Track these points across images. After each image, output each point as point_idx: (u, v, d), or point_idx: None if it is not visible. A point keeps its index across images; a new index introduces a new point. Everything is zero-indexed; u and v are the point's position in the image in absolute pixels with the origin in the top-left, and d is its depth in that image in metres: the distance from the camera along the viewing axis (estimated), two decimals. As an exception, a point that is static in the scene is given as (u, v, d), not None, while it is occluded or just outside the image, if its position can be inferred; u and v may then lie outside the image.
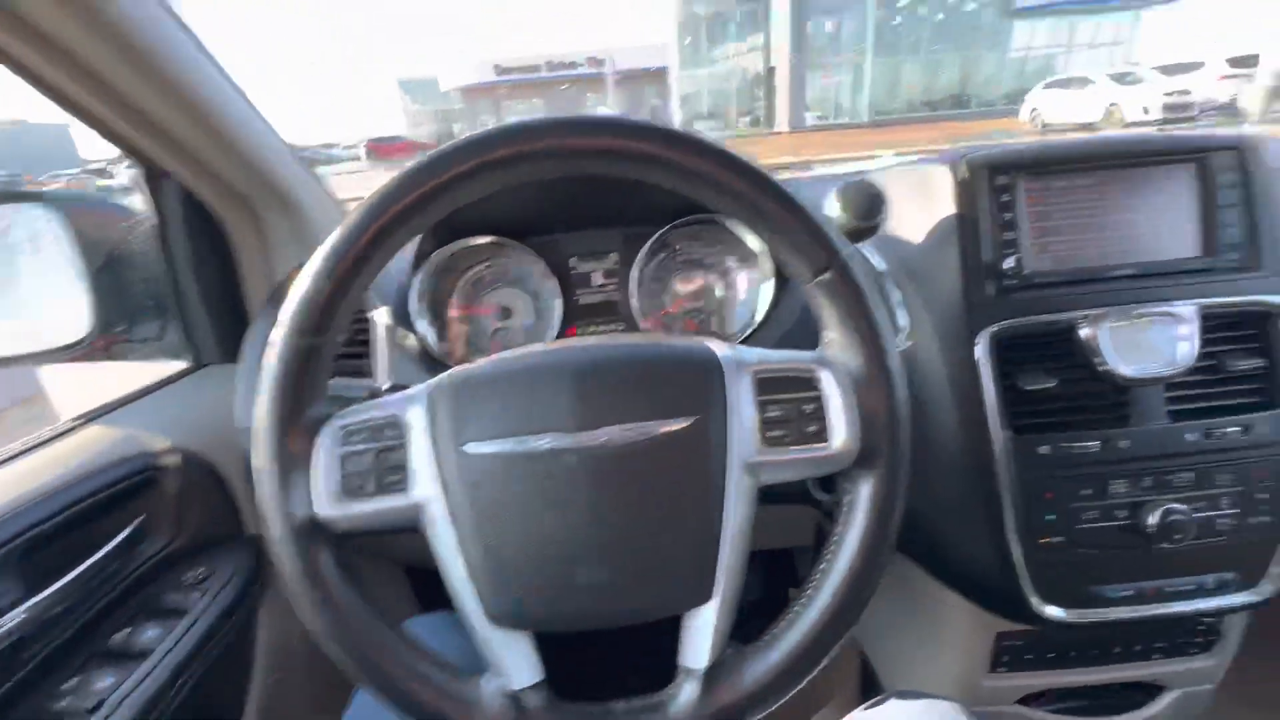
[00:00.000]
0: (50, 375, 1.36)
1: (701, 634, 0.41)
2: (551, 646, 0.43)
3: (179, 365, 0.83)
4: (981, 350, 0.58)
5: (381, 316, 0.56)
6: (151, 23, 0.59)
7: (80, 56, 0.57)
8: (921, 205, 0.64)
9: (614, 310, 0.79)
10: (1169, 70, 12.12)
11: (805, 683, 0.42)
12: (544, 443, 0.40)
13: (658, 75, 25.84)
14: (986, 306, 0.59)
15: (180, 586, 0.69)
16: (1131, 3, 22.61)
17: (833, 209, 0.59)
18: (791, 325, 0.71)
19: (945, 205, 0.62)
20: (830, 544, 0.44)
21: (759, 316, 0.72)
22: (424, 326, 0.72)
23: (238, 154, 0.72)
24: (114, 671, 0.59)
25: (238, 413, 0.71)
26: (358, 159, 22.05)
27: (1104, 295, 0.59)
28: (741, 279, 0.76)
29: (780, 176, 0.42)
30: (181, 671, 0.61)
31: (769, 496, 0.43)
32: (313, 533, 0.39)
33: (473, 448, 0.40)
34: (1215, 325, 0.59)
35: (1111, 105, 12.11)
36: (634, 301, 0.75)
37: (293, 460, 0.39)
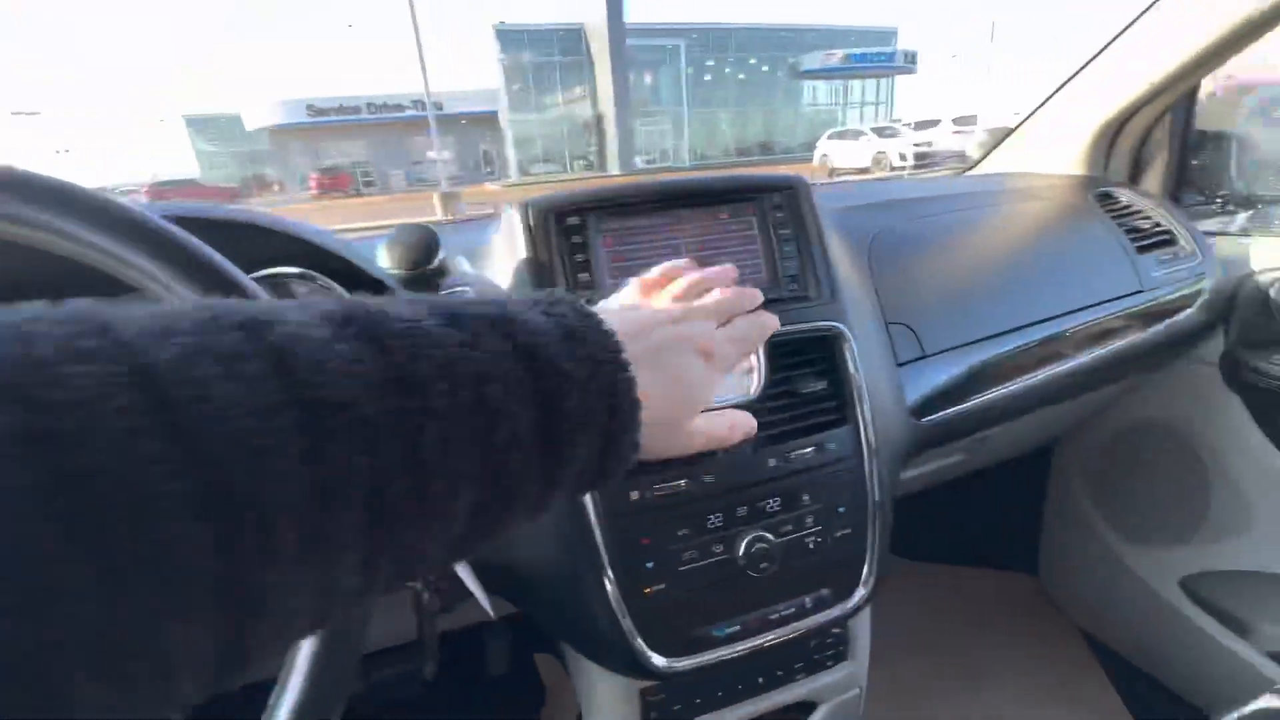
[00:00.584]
0: None
1: None
2: None
3: None
4: None
5: None
6: None
7: None
8: (509, 251, 0.61)
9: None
10: (917, 126, 14.91)
11: None
12: None
13: (489, 119, 25.85)
14: None
15: None
16: (885, 71, 27.45)
17: (383, 259, 0.53)
18: None
19: (523, 249, 0.59)
20: None
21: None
22: None
23: None
24: None
25: None
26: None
27: None
28: None
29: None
30: None
31: None
32: None
33: None
34: (785, 352, 0.62)
35: (879, 153, 14.48)
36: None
37: None
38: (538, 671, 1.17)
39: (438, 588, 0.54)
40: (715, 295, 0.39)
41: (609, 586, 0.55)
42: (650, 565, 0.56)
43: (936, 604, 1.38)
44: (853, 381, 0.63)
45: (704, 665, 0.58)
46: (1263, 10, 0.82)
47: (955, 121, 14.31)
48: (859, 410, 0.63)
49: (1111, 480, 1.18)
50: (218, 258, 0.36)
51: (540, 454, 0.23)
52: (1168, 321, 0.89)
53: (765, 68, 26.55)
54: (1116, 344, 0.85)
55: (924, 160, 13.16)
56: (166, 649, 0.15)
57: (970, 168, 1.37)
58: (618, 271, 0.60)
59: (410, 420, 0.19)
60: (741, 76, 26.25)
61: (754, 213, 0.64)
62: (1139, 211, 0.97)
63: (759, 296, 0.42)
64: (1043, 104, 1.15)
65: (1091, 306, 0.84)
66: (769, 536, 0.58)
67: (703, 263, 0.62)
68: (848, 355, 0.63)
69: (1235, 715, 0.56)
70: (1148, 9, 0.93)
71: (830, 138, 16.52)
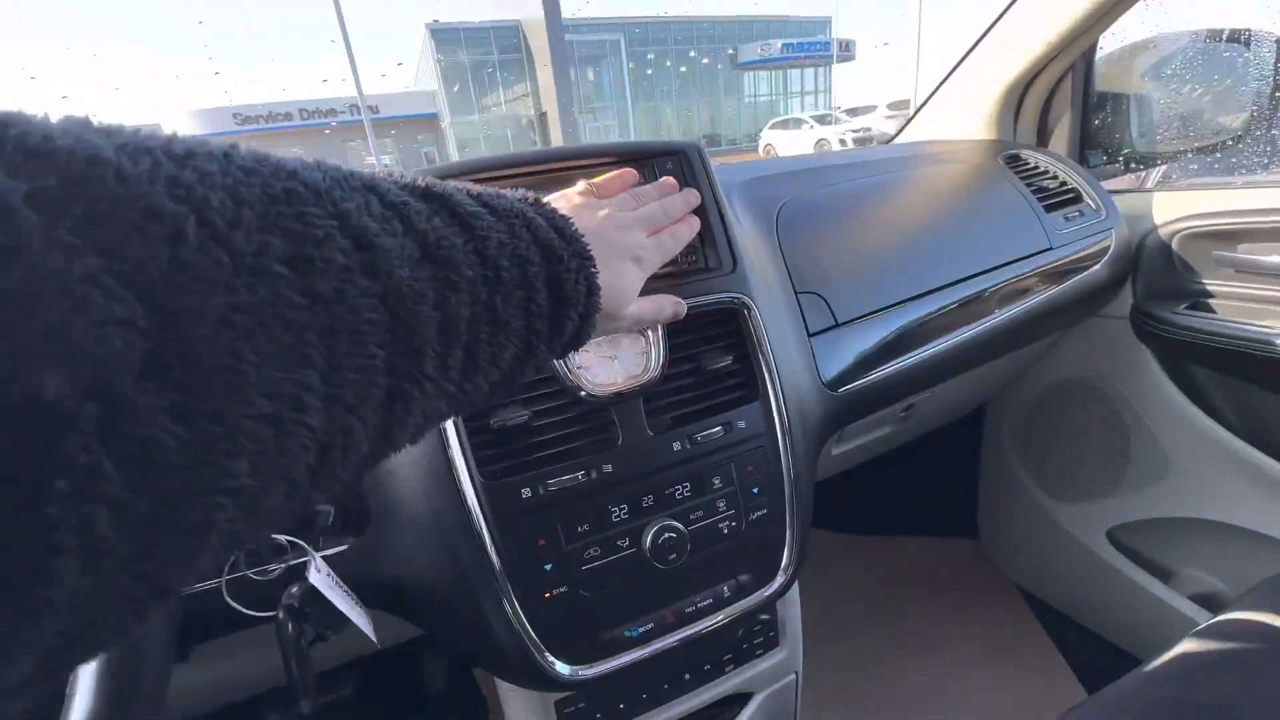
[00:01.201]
0: None
1: None
2: None
3: None
4: None
5: None
6: None
7: None
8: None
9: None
10: (853, 112, 15.29)
11: None
12: None
13: (428, 122, 25.17)
14: None
15: None
16: (822, 60, 28.03)
17: None
18: None
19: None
20: None
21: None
22: None
23: None
24: None
25: None
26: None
27: None
28: None
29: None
30: None
31: None
32: None
33: None
34: (686, 328, 0.58)
35: (820, 140, 14.78)
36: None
37: None
38: (477, 686, 1.11)
39: (305, 615, 0.48)
40: (648, 209, 0.46)
41: (504, 595, 0.50)
42: (549, 568, 0.52)
43: (880, 578, 1.38)
44: (760, 355, 0.59)
45: (614, 670, 0.54)
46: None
47: (889, 106, 14.75)
48: (769, 384, 0.59)
49: (1038, 440, 1.20)
50: None
51: (550, 323, 0.30)
52: (1077, 277, 0.90)
53: (705, 60, 26.73)
54: (1029, 302, 0.85)
55: (862, 144, 13.53)
56: (351, 437, 0.20)
57: (888, 141, 1.38)
58: (497, 250, 0.55)
59: (489, 285, 0.26)
60: (683, 69, 26.36)
61: (646, 180, 0.60)
62: (1045, 172, 0.98)
63: (684, 204, 0.50)
64: (950, 73, 1.16)
65: (1003, 266, 0.83)
66: (678, 525, 0.54)
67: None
68: (753, 328, 0.60)
69: (1161, 659, 0.55)
70: (1040, -30, 0.93)
71: (773, 127, 16.79)
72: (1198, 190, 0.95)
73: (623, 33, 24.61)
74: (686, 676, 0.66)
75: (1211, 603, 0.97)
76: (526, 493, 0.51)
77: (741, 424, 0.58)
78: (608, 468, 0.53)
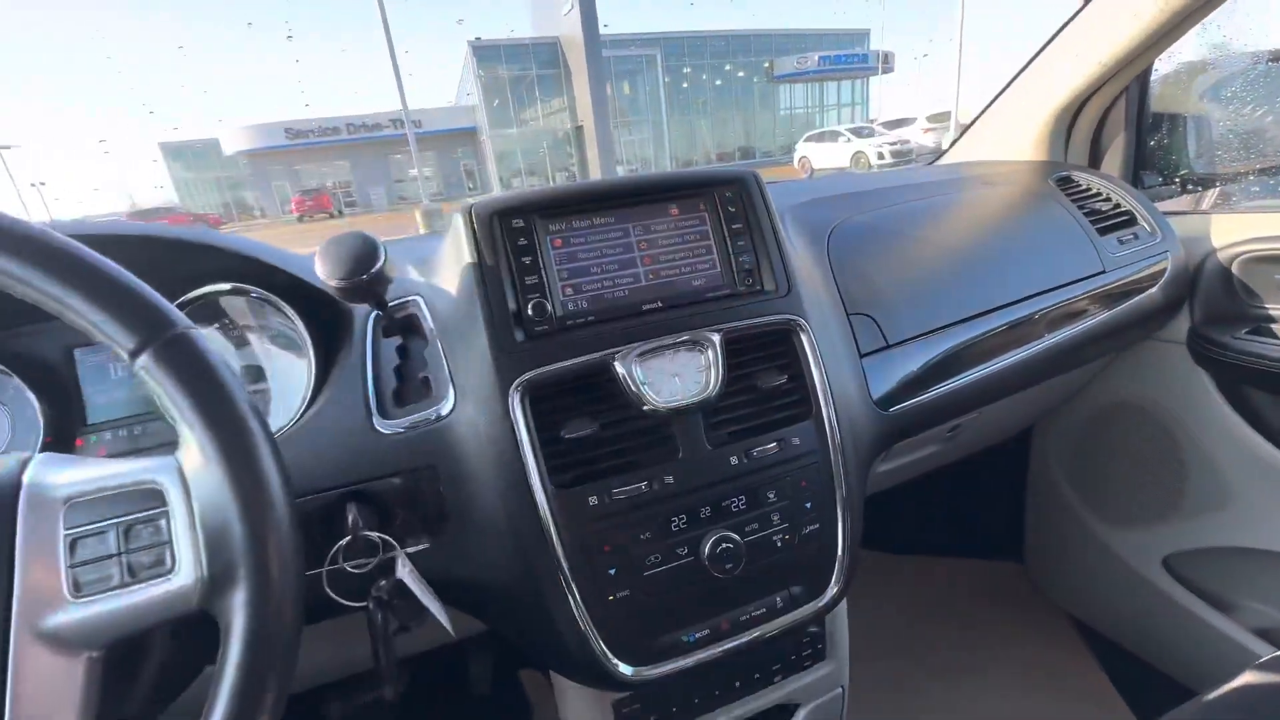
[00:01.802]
0: None
1: None
2: None
3: None
4: (514, 402, 0.54)
5: None
6: None
7: None
8: (455, 257, 0.60)
9: (149, 404, 0.63)
10: (891, 125, 15.08)
11: None
12: None
13: (468, 136, 25.85)
14: (516, 356, 0.55)
15: None
16: (860, 72, 27.79)
17: (318, 268, 0.52)
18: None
19: (467, 254, 0.57)
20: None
21: (304, 397, 0.62)
22: None
23: None
24: None
25: None
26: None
27: (636, 330, 0.58)
28: (280, 352, 0.65)
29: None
30: None
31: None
32: None
33: None
34: (742, 348, 0.61)
35: (857, 153, 14.62)
36: (159, 394, 0.61)
37: None
38: (523, 688, 1.14)
39: (392, 606, 0.53)
40: None
41: (571, 596, 0.54)
42: (613, 571, 0.55)
43: (924, 598, 1.37)
44: (814, 374, 0.62)
45: (674, 672, 0.56)
46: (1205, -10, 0.83)
47: (929, 119, 14.51)
48: (822, 403, 0.62)
49: (1089, 464, 1.18)
50: (135, 282, 0.34)
51: None
52: (1131, 301, 0.89)
53: (741, 73, 26.82)
54: (1082, 325, 0.85)
55: (903, 158, 13.32)
56: None
57: (934, 161, 1.38)
58: (567, 272, 0.59)
59: None
60: (718, 83, 26.48)
61: (704, 208, 0.63)
62: (1098, 194, 0.98)
63: None
64: (1000, 93, 1.16)
65: (1055, 289, 0.84)
66: (734, 536, 0.57)
67: (653, 259, 0.62)
68: (807, 347, 0.62)
69: (1222, 690, 0.55)
70: (1095, -7, 0.94)
71: (808, 140, 16.67)
72: (1259, 213, 0.93)
73: (660, 47, 24.90)
74: (737, 684, 0.68)
75: (1275, 637, 0.94)
76: (593, 500, 0.55)
77: (796, 441, 0.61)
78: (669, 479, 0.56)
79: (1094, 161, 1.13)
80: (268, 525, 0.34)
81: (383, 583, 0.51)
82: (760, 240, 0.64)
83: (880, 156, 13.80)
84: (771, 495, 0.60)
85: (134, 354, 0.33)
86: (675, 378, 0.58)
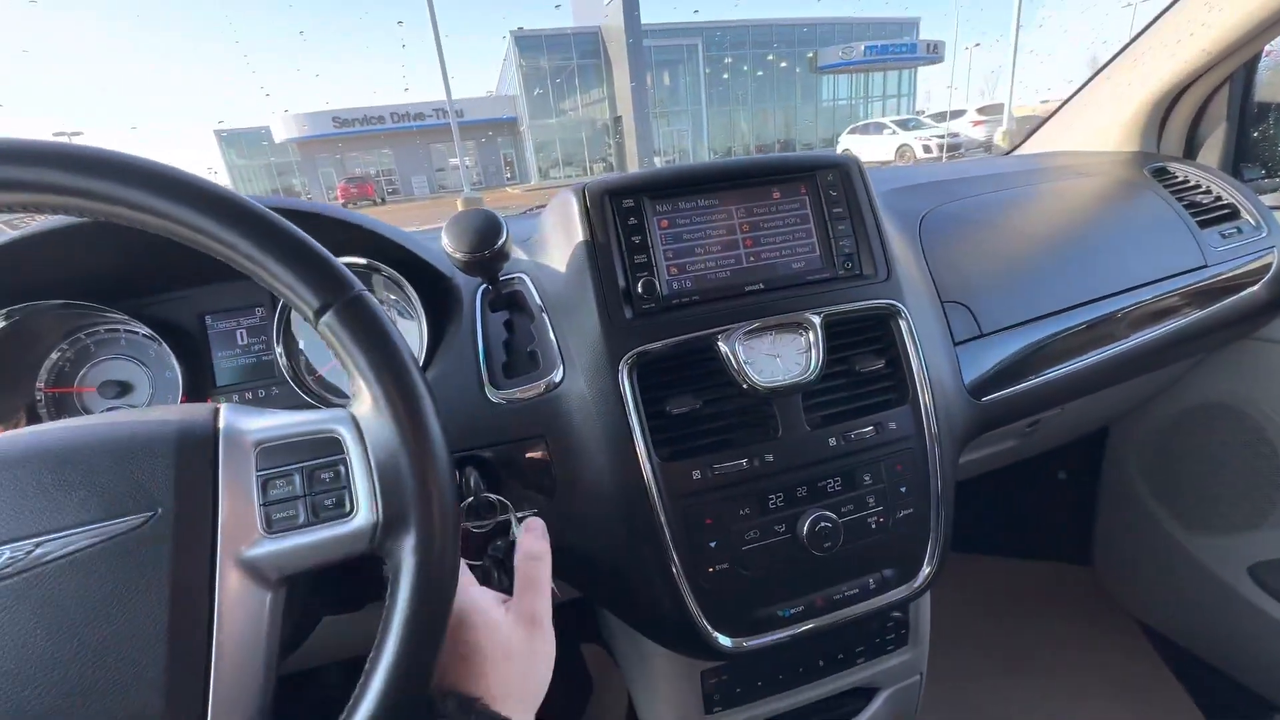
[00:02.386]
0: None
1: None
2: None
3: None
4: (624, 377, 0.55)
5: None
6: None
7: None
8: (565, 235, 0.62)
9: (270, 371, 0.67)
10: (939, 117, 14.60)
11: None
12: None
13: (509, 126, 26.13)
14: (626, 332, 0.57)
15: None
16: (907, 62, 26.98)
17: (445, 241, 0.54)
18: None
19: (579, 232, 0.59)
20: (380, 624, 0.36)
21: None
22: None
23: None
24: None
25: None
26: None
27: (739, 310, 0.59)
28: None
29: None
30: None
31: None
32: None
33: None
34: (842, 331, 0.61)
35: (902, 146, 14.21)
36: (282, 360, 0.65)
37: None
38: (585, 665, 1.17)
39: (505, 566, 0.55)
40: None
41: (673, 566, 0.55)
42: (714, 544, 0.56)
43: (992, 595, 1.35)
44: (911, 360, 0.62)
45: (768, 646, 0.58)
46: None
47: (979, 111, 14.00)
48: (919, 389, 0.62)
49: (1171, 466, 1.14)
50: (321, 248, 0.37)
51: None
52: (1233, 298, 0.86)
53: (783, 63, 26.33)
54: (1179, 321, 0.83)
55: (953, 152, 12.91)
56: None
57: (1012, 150, 1.34)
58: (672, 253, 0.60)
59: None
60: (760, 73, 26.07)
61: (806, 192, 0.64)
62: (1197, 186, 0.94)
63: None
64: (1087, 82, 1.12)
65: (1153, 283, 0.81)
66: (831, 516, 0.58)
67: (755, 241, 0.62)
68: (905, 333, 0.62)
69: None
70: (1204, -25, 0.90)
71: (852, 132, 16.29)
72: (1376, 208, 0.88)
73: (701, 37, 24.64)
74: (821, 663, 0.69)
75: (1374, 653, 0.90)
76: (696, 474, 0.56)
77: (893, 425, 0.61)
78: (769, 457, 0.57)
79: (1190, 153, 1.08)
80: (433, 474, 0.36)
81: (499, 543, 0.54)
82: (860, 225, 0.64)
83: (926, 150, 13.40)
84: (868, 478, 0.60)
85: (319, 313, 0.36)
86: (776, 358, 0.59)
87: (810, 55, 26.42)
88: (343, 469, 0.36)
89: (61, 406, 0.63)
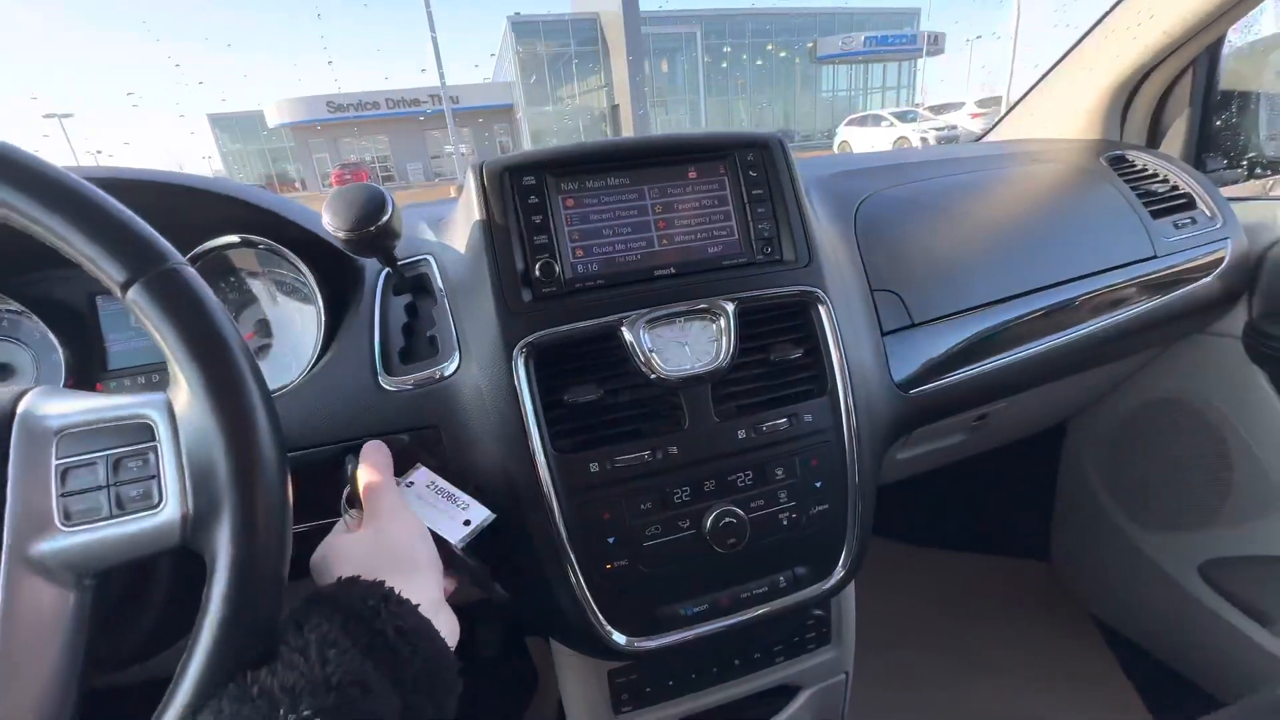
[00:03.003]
0: None
1: None
2: None
3: None
4: (519, 365, 0.53)
5: None
6: None
7: None
8: (466, 215, 0.59)
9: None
10: (937, 109, 14.52)
11: None
12: None
13: (504, 113, 25.87)
14: (522, 318, 0.54)
15: None
16: (908, 54, 26.79)
17: (325, 219, 0.51)
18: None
19: (476, 211, 0.56)
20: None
21: (313, 351, 0.62)
22: None
23: None
24: None
25: None
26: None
27: (647, 296, 0.56)
28: (292, 307, 0.65)
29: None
30: None
31: None
32: None
33: None
34: (757, 319, 0.58)
35: (900, 138, 14.14)
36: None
37: None
38: (529, 655, 1.15)
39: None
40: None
41: (568, 562, 0.53)
42: (612, 540, 0.54)
43: (944, 591, 1.34)
44: (831, 350, 0.59)
45: (670, 645, 0.55)
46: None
47: (978, 104, 13.92)
48: (838, 380, 0.59)
49: (1126, 462, 1.13)
50: (129, 216, 0.34)
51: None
52: (1184, 289, 0.84)
53: (783, 53, 26.10)
54: (1126, 313, 0.80)
55: (949, 144, 12.84)
56: None
57: (979, 138, 1.31)
58: (578, 234, 0.57)
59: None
60: (759, 63, 25.85)
61: (724, 172, 0.61)
62: (1154, 175, 0.91)
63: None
64: (1051, 69, 1.09)
65: (1099, 273, 0.78)
66: (738, 511, 0.55)
67: (669, 224, 0.60)
68: (825, 321, 0.59)
69: (1253, 700, 0.52)
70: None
71: (850, 124, 16.17)
72: (1335, 200, 0.86)
73: (700, 25, 24.39)
74: (736, 662, 0.67)
75: (1319, 653, 0.88)
76: (594, 467, 0.54)
77: (808, 418, 0.58)
78: (673, 449, 0.55)
79: (1153, 142, 1.06)
80: (253, 460, 0.33)
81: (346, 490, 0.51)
82: (781, 207, 0.61)
83: (924, 141, 13.32)
84: (779, 472, 0.58)
85: (124, 286, 0.33)
86: (684, 346, 0.56)
87: (810, 45, 26.20)
88: (152, 457, 0.34)
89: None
